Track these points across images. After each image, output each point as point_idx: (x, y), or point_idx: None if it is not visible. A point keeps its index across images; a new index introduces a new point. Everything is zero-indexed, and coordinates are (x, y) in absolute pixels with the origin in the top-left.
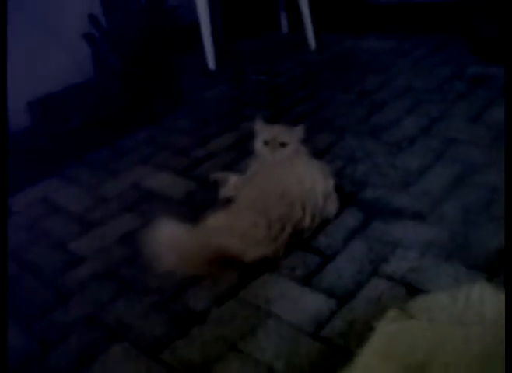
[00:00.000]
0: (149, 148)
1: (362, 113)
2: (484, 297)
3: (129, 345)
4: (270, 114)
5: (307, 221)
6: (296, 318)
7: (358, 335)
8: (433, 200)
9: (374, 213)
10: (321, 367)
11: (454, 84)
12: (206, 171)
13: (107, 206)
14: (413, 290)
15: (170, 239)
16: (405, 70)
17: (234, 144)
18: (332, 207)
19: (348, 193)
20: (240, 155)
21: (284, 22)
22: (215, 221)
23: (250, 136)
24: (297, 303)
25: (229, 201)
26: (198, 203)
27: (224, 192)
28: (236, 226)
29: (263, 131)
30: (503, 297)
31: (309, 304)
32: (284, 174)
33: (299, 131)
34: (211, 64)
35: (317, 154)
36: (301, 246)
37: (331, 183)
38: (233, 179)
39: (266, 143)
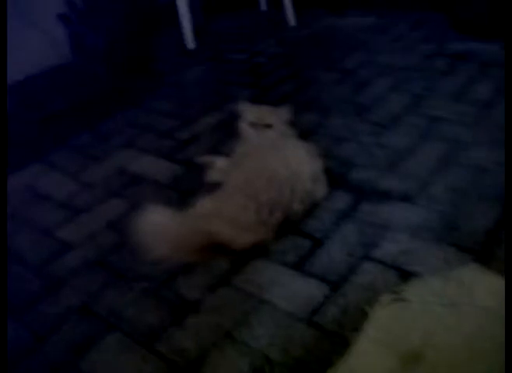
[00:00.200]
0: (132, 131)
1: (346, 91)
2: (475, 279)
3: (123, 335)
4: (253, 94)
5: (296, 204)
6: (289, 305)
7: (352, 320)
8: (421, 181)
9: (363, 195)
10: (316, 354)
11: (436, 61)
12: (192, 153)
13: (93, 191)
14: (405, 273)
15: (158, 226)
16: (386, 47)
17: (218, 125)
18: (321, 189)
19: (335, 174)
20: (224, 136)
21: None
22: (204, 206)
23: (234, 117)
24: (290, 289)
25: (216, 185)
26: (185, 187)
27: (211, 176)
28: (225, 211)
29: (248, 112)
30: (493, 278)
31: (301, 289)
32: (271, 157)
33: (284, 112)
34: (190, 43)
35: (303, 134)
36: (291, 230)
37: (319, 164)
38: (219, 163)
39: (251, 124)
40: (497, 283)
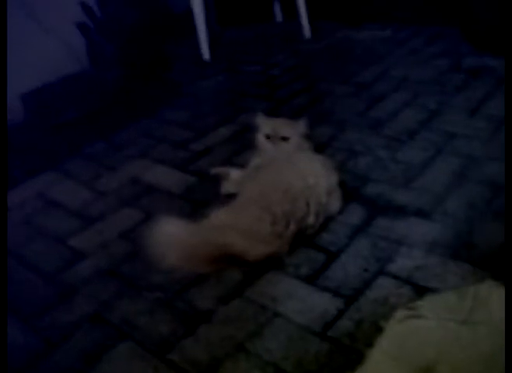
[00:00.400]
0: (146, 141)
1: (361, 105)
2: (491, 296)
3: (135, 344)
4: (267, 106)
5: (311, 217)
6: (303, 318)
7: (366, 335)
8: (436, 196)
9: (377, 209)
10: (330, 368)
11: (452, 76)
12: (205, 165)
13: (106, 200)
14: (420, 289)
15: (172, 236)
16: (401, 61)
17: (233, 137)
18: (336, 203)
19: (350, 188)
20: (239, 148)
21: (278, 11)
22: (218, 217)
23: (249, 128)
24: (304, 302)
25: (231, 196)
26: (199, 198)
27: (226, 187)
28: (240, 223)
29: (264, 125)
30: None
31: (315, 303)
32: (287, 169)
33: (301, 125)
34: (205, 54)
35: (318, 147)
36: (305, 243)
37: (334, 178)
38: (234, 175)
39: (268, 137)
40: None
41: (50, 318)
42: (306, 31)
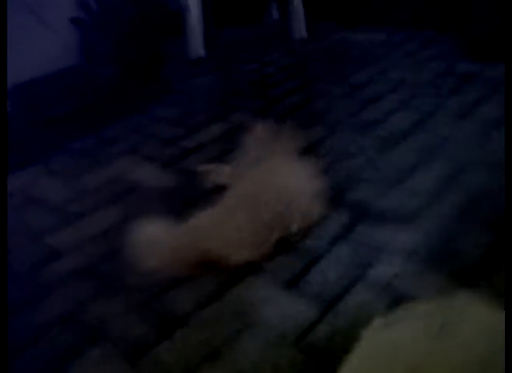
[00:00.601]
0: (136, 137)
1: (355, 106)
2: (463, 311)
3: (109, 346)
4: (260, 105)
5: (295, 224)
6: (280, 323)
7: (343, 341)
8: (422, 202)
9: (361, 215)
10: None
11: (446, 79)
12: (195, 162)
13: (90, 197)
14: (398, 297)
15: (153, 237)
16: (396, 63)
17: (224, 135)
18: (319, 209)
19: (335, 191)
20: (229, 146)
21: (274, 10)
22: (202, 220)
23: (240, 127)
24: (282, 307)
25: (217, 192)
26: (185, 198)
27: (216, 179)
28: (223, 227)
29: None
30: (481, 310)
31: (294, 308)
32: (271, 176)
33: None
34: (200, 51)
35: (309, 147)
36: (286, 249)
37: (318, 183)
38: (227, 168)
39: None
40: (485, 315)
41: (19, 319)
42: (303, 31)
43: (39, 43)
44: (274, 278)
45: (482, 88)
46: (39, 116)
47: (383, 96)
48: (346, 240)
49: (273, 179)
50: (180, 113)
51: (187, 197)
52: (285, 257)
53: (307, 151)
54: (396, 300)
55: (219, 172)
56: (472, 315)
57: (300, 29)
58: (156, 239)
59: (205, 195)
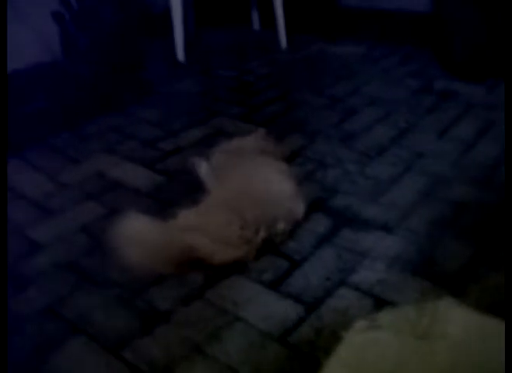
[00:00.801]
0: (114, 137)
1: (334, 118)
2: (449, 313)
3: (89, 339)
4: (241, 112)
5: (281, 224)
6: (263, 323)
7: (325, 343)
8: (401, 212)
9: (343, 221)
10: None
11: (422, 97)
12: (174, 164)
13: (69, 193)
14: (380, 301)
15: (137, 233)
16: (375, 78)
17: (204, 139)
18: (299, 208)
19: (317, 198)
20: (208, 150)
21: (255, 19)
22: (186, 218)
23: (220, 132)
24: (265, 307)
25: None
26: (166, 198)
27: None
28: (208, 225)
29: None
30: (466, 313)
31: (276, 309)
32: (255, 175)
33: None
34: (180, 55)
35: (288, 156)
36: (270, 250)
37: (295, 184)
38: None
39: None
40: (471, 318)
41: None
42: (283, 41)
43: (15, 37)
44: (257, 278)
45: (458, 107)
46: (15, 111)
47: (361, 110)
48: (330, 244)
49: (256, 181)
50: (159, 115)
51: (168, 198)
52: (269, 258)
53: (288, 158)
54: (379, 304)
55: (206, 168)
56: (459, 317)
57: (281, 39)
58: (139, 236)
59: (187, 195)
